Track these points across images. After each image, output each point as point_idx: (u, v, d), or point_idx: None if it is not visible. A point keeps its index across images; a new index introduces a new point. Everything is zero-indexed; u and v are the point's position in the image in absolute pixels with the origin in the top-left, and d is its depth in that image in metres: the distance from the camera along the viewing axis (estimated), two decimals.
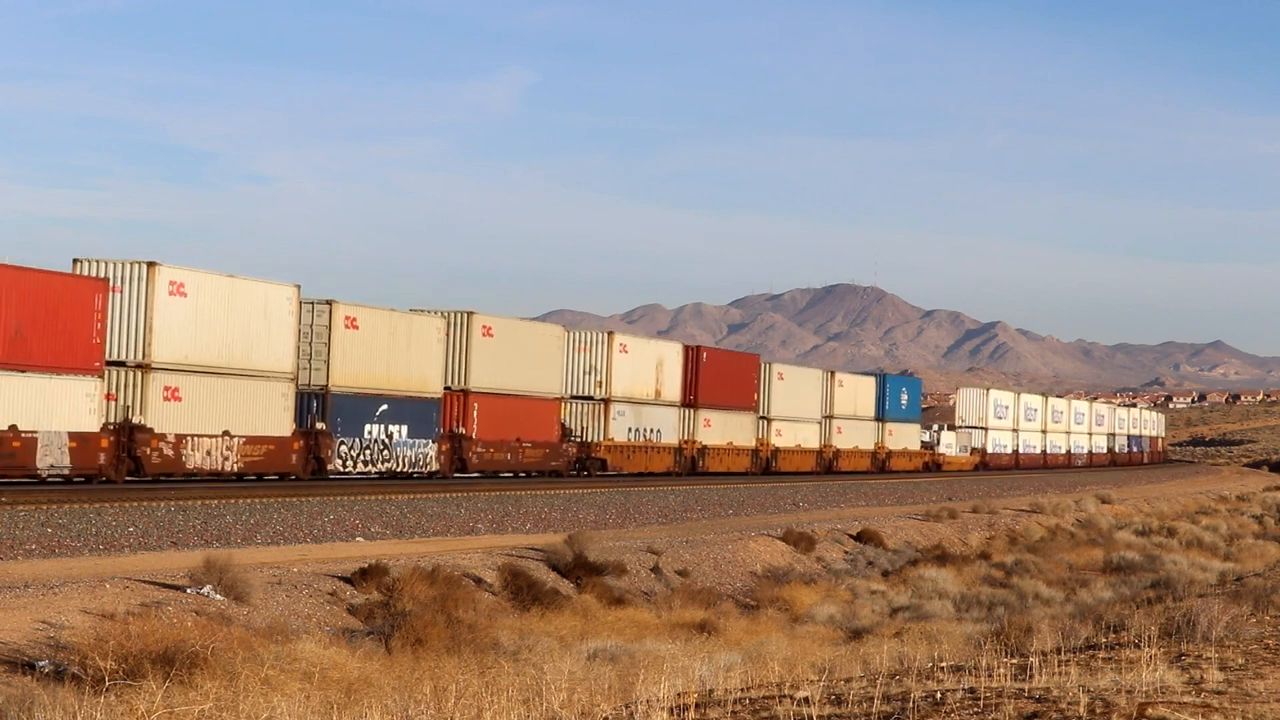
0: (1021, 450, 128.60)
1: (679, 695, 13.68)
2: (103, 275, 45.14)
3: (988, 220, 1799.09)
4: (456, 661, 20.62)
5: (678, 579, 36.09)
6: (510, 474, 63.00)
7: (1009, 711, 11.68)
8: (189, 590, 24.76)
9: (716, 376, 78.67)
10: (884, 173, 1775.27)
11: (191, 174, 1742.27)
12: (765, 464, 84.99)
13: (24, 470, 41.45)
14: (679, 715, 12.60)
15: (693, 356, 77.15)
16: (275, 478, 51.22)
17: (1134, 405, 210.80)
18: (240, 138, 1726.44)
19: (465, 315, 60.25)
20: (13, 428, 40.59)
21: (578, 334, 69.77)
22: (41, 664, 19.70)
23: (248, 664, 18.43)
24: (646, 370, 72.33)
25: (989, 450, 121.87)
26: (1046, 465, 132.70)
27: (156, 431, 45.95)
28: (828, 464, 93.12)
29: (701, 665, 20.24)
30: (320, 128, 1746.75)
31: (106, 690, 16.85)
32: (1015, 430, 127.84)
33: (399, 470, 56.97)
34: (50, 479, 42.36)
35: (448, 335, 58.95)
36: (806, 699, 12.78)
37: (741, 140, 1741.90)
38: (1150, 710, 11.54)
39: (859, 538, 48.26)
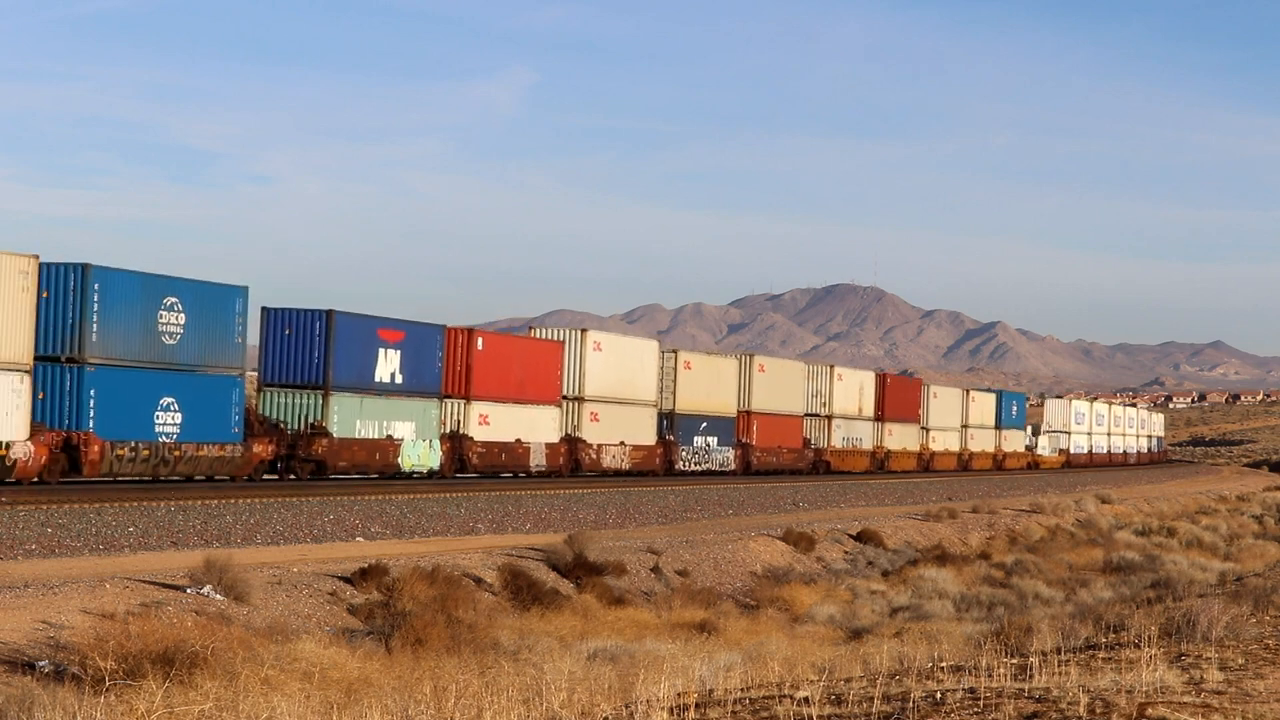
0: (1094, 450, 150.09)
1: (679, 695, 13.68)
2: (559, 339, 68.33)
3: (988, 220, 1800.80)
4: (456, 661, 20.63)
5: (678, 579, 36.10)
6: (777, 472, 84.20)
7: (1009, 711, 11.68)
8: (189, 590, 24.77)
9: (896, 396, 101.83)
10: (884, 173, 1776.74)
11: (194, 174, 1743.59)
12: (926, 464, 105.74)
13: (523, 468, 63.69)
14: (679, 715, 12.60)
15: (880, 381, 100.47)
16: (641, 474, 70.90)
17: (1134, 405, 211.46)
18: (243, 138, 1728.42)
19: (749, 357, 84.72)
20: (519, 440, 63.50)
21: (811, 367, 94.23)
22: (41, 664, 19.70)
23: (248, 664, 18.43)
24: (853, 393, 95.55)
25: (1071, 451, 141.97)
26: (1111, 463, 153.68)
27: (587, 441, 68.14)
28: (965, 464, 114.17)
29: (701, 665, 20.24)
30: (323, 128, 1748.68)
31: (106, 690, 16.85)
32: (1089, 434, 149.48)
33: (713, 469, 78.67)
34: (535, 473, 64.31)
35: (739, 372, 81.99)
36: (806, 699, 12.78)
37: (742, 140, 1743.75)
38: (1150, 710, 11.54)
39: (859, 538, 48.29)
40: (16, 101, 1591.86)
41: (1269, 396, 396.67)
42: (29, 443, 42.05)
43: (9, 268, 41.43)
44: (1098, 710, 11.58)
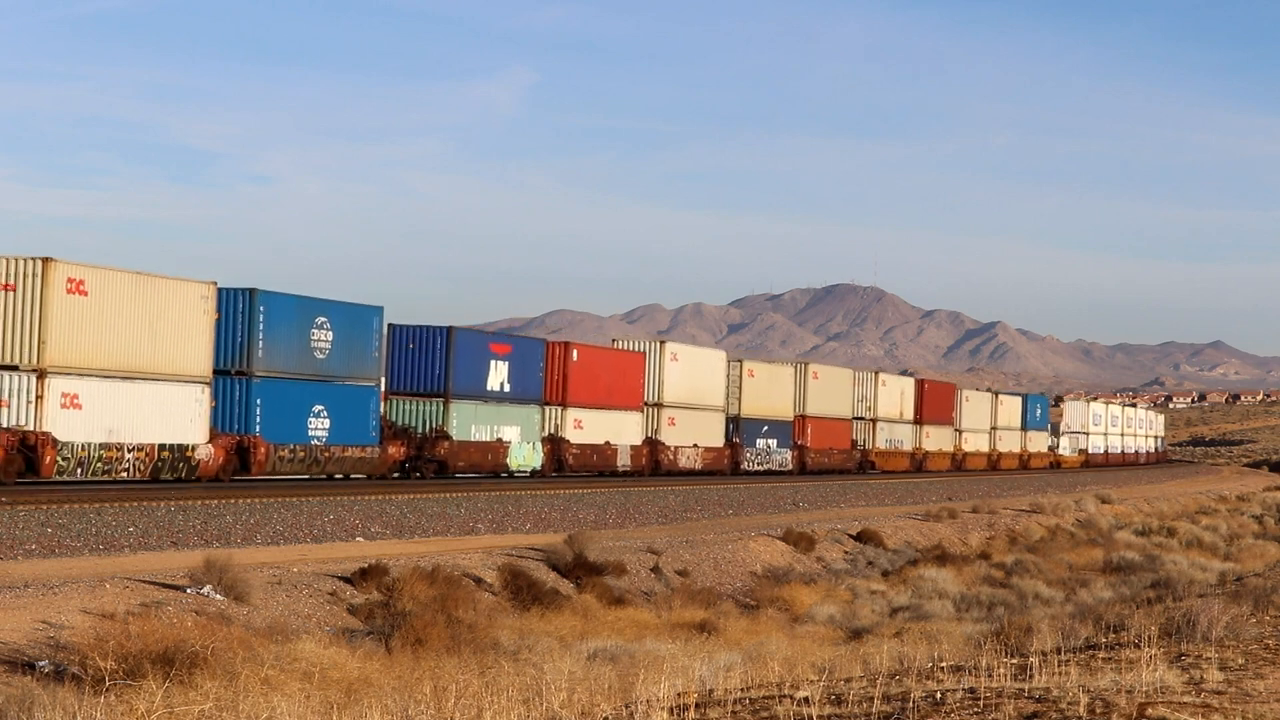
0: (1109, 450, 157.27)
1: (679, 695, 13.68)
2: (640, 349, 75.57)
3: (988, 220, 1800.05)
4: (456, 661, 20.63)
5: (678, 579, 36.10)
6: (829, 471, 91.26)
7: (1009, 711, 11.68)
8: (189, 590, 24.77)
9: (933, 401, 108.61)
10: (884, 173, 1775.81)
11: (194, 174, 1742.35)
12: (959, 464, 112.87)
13: (611, 468, 70.25)
14: (679, 715, 12.60)
15: (919, 386, 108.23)
16: (711, 474, 78.07)
17: (1134, 405, 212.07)
18: (243, 138, 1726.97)
19: (804, 365, 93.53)
20: (607, 442, 70.13)
21: (858, 374, 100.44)
22: (41, 664, 19.70)
23: (248, 664, 18.43)
24: (895, 398, 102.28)
25: (1090, 451, 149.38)
26: (1124, 463, 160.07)
27: (666, 443, 75.00)
28: (994, 463, 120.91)
29: (701, 665, 20.23)
30: (323, 128, 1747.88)
31: (106, 690, 16.85)
32: (1104, 434, 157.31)
33: (773, 469, 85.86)
34: (622, 472, 70.49)
35: (794, 379, 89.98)
36: (806, 699, 12.78)
37: (742, 140, 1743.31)
38: (1150, 710, 11.54)
39: (859, 538, 48.27)
40: (16, 101, 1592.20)
41: (1269, 396, 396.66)
42: (209, 445, 48.38)
43: (192, 294, 47.92)
44: (1098, 710, 11.58)
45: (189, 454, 47.49)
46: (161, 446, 46.48)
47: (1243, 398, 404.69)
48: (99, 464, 44.52)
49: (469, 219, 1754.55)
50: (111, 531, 32.91)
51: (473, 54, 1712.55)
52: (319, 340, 53.39)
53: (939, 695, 12.63)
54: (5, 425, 42.00)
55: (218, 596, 24.69)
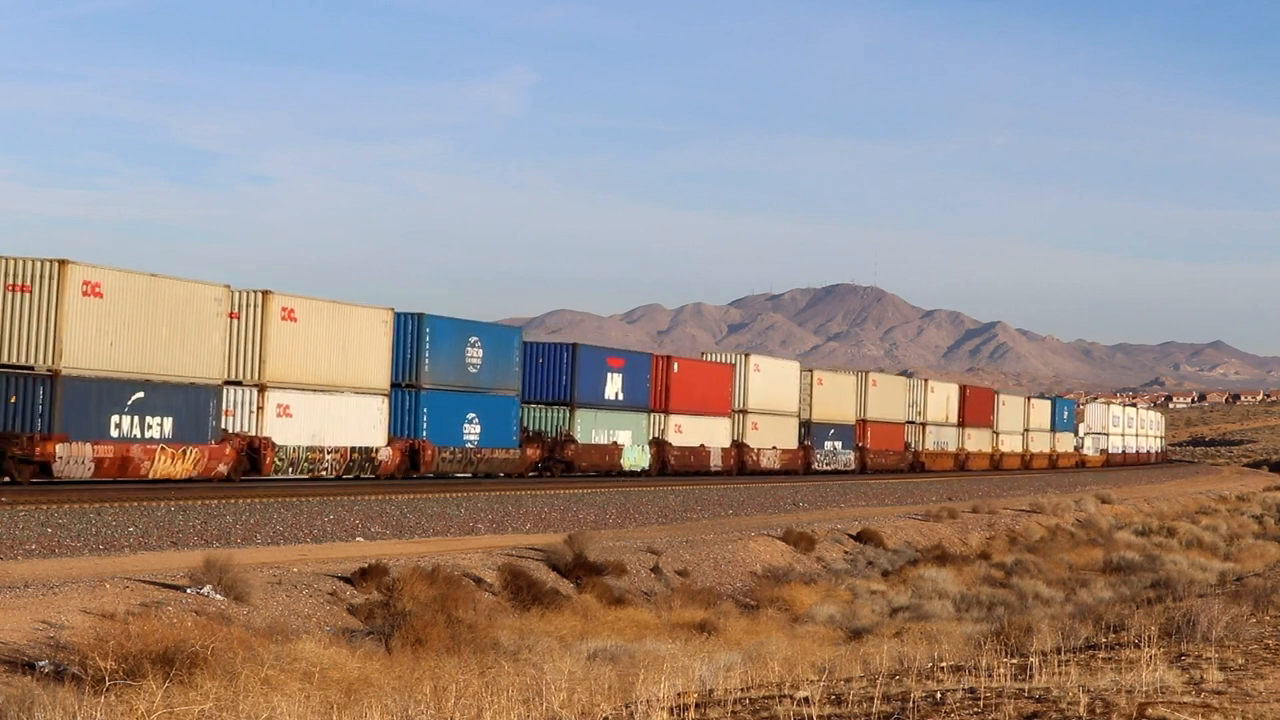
0: (1125, 450, 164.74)
1: (679, 695, 13.68)
2: (729, 362, 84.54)
3: (988, 220, 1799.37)
4: (456, 661, 20.62)
5: (678, 579, 36.09)
6: (886, 471, 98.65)
7: (1009, 711, 11.68)
8: (189, 590, 24.76)
9: (974, 405, 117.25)
10: (884, 173, 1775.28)
11: (194, 174, 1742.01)
12: (996, 464, 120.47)
13: (705, 468, 77.59)
14: (679, 715, 12.60)
15: (962, 392, 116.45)
16: (788, 473, 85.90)
17: (1134, 405, 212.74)
18: (243, 138, 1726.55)
19: (864, 374, 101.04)
20: (702, 445, 78.19)
21: (911, 381, 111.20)
22: (41, 664, 19.69)
23: (248, 664, 18.42)
24: (941, 403, 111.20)
25: (1110, 451, 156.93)
26: (1140, 462, 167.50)
27: (750, 446, 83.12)
28: (1026, 463, 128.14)
29: (701, 665, 20.23)
30: (323, 128, 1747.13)
31: (106, 690, 16.84)
32: (1122, 435, 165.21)
33: (839, 469, 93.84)
34: (714, 472, 78.08)
35: (856, 386, 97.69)
36: (806, 699, 12.78)
37: (742, 140, 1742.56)
38: (1150, 710, 11.54)
39: (859, 538, 48.26)
40: (16, 101, 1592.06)
41: (1269, 396, 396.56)
42: (389, 448, 56.65)
43: (374, 318, 56.54)
44: (1098, 710, 11.58)
45: (373, 455, 55.72)
46: (353, 449, 54.78)
47: (1243, 398, 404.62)
48: (305, 463, 52.53)
49: (469, 219, 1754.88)
50: (111, 531, 32.90)
51: (473, 54, 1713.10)
52: (472, 357, 61.90)
53: (939, 695, 12.63)
54: (232, 431, 49.84)
55: (218, 596, 24.68)
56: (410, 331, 58.58)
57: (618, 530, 43.51)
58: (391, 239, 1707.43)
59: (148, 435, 46.28)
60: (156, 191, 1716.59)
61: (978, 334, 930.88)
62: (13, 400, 43.37)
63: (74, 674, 19.01)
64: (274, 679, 17.89)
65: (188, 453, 47.66)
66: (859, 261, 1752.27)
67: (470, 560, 31.90)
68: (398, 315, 57.74)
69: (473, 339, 62.01)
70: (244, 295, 50.98)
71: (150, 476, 46.35)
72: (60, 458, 43.06)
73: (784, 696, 13.10)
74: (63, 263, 43.41)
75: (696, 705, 12.81)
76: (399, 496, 46.40)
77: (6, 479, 42.60)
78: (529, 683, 17.42)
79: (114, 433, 45.15)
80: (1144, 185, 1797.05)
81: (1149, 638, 17.14)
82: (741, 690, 14.64)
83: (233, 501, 40.66)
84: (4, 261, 43.31)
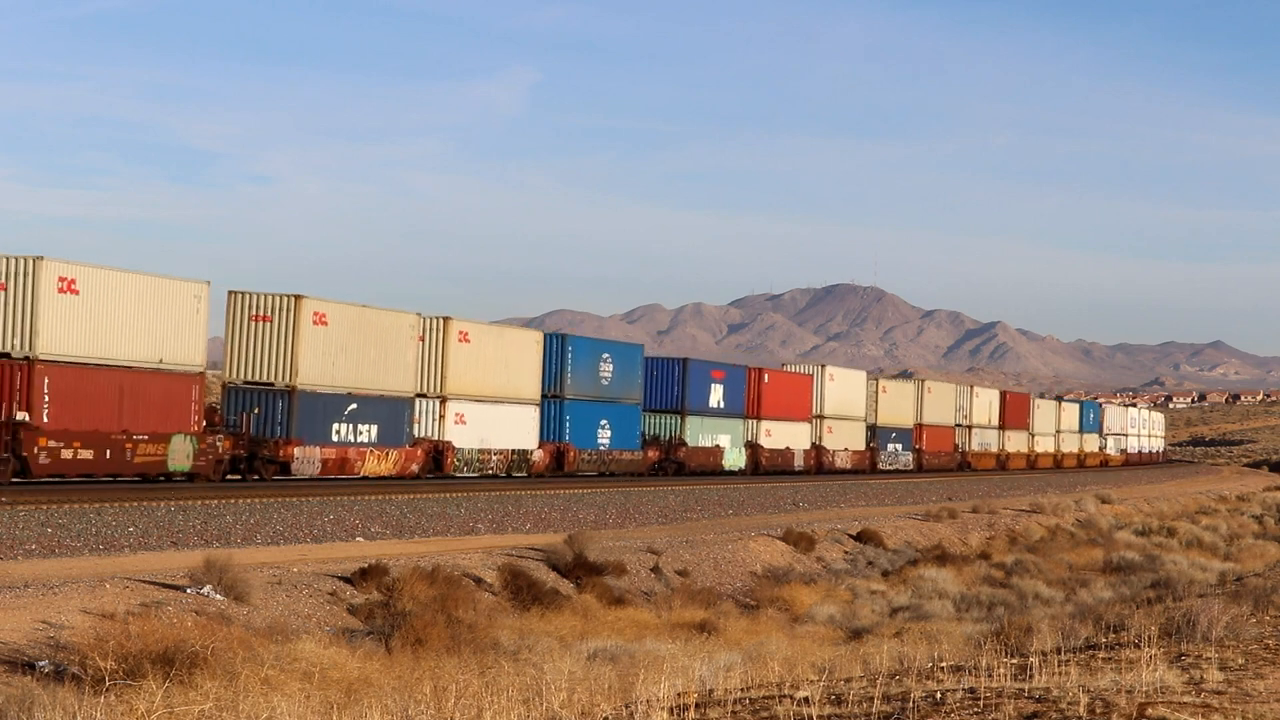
0: (1141, 450, 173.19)
1: (679, 695, 13.68)
2: (808, 372, 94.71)
3: (988, 220, 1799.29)
4: (456, 661, 20.62)
5: (678, 579, 36.08)
6: (938, 470, 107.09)
7: (1009, 711, 11.68)
8: (189, 590, 24.75)
9: (1013, 409, 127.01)
10: (884, 173, 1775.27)
11: (194, 174, 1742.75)
12: (1032, 463, 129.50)
13: (790, 468, 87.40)
14: (679, 715, 12.60)
15: (1003, 397, 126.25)
16: (857, 472, 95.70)
17: (1134, 405, 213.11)
18: (243, 138, 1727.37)
19: (921, 382, 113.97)
20: (788, 447, 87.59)
21: (959, 387, 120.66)
22: (41, 664, 19.69)
23: (248, 664, 18.42)
24: (985, 407, 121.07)
25: (1129, 451, 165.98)
26: (1154, 461, 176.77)
27: (826, 448, 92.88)
28: (1058, 462, 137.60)
29: (701, 665, 20.22)
30: (323, 128, 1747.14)
31: (106, 690, 16.84)
32: (1138, 436, 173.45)
33: (899, 469, 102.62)
34: (797, 472, 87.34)
35: (914, 393, 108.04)
36: (806, 699, 12.77)
37: (742, 140, 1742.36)
38: (1150, 710, 11.54)
39: (859, 538, 48.24)
40: (16, 101, 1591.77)
41: (1269, 396, 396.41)
42: (540, 450, 66.13)
43: (528, 339, 67.48)
44: (1098, 710, 11.58)
45: (528, 456, 65.01)
46: (512, 451, 64.15)
47: (1243, 398, 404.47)
48: (476, 463, 61.87)
49: (469, 219, 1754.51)
50: (111, 531, 32.89)
51: (473, 54, 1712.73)
52: (604, 372, 71.33)
53: (939, 695, 12.62)
54: (419, 436, 58.77)
55: (218, 596, 24.67)
56: (555, 350, 68.20)
57: (618, 530, 43.50)
58: (391, 239, 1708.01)
59: (359, 440, 55.43)
60: (156, 191, 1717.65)
61: (978, 334, 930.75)
62: (256, 411, 51.52)
63: (74, 674, 19.00)
64: (274, 679, 17.89)
65: (389, 454, 56.74)
66: (859, 261, 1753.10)
67: (470, 560, 31.89)
68: (546, 336, 68.64)
69: (604, 355, 72.02)
70: (428, 321, 60.01)
71: (361, 474, 55.17)
72: (297, 459, 51.70)
73: (784, 696, 13.10)
74: (298, 297, 52.13)
75: (696, 705, 12.81)
76: (399, 496, 46.40)
77: (255, 476, 50.66)
78: (529, 683, 17.42)
79: (334, 438, 54.15)
80: (1144, 185, 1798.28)
81: (1149, 638, 17.14)
82: (741, 690, 14.63)
83: (233, 501, 40.64)
84: (250, 296, 52.04)
